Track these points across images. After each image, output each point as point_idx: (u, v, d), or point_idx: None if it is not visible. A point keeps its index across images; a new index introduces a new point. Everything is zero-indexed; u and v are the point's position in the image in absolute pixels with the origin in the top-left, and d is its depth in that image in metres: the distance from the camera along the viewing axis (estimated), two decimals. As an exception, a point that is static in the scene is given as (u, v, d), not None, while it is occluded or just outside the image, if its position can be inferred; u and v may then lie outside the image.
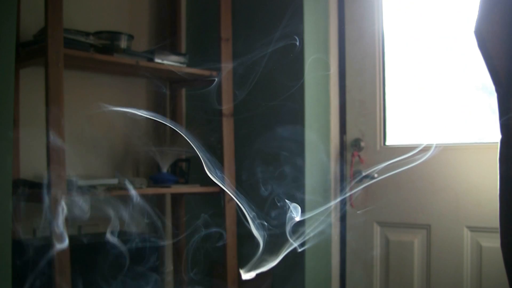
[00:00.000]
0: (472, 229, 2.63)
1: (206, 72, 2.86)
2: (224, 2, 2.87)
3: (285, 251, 1.71)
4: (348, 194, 2.97)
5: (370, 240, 2.94)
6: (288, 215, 1.65)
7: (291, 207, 1.65)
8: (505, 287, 1.86)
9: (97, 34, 2.60)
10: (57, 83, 2.26)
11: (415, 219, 2.80)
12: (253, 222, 1.67)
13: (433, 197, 2.74)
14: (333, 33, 3.02)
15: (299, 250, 1.70)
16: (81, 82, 2.81)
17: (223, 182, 2.79)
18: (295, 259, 2.81)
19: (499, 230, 1.86)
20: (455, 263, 2.67)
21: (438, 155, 2.69)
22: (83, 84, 2.82)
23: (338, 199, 3.00)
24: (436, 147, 1.83)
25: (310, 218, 2.10)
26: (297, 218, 1.65)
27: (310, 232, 2.09)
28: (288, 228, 1.66)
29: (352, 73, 3.01)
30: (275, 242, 1.69)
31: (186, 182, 2.97)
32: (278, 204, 1.92)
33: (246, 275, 1.64)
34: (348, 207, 3.00)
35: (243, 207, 1.69)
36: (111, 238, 2.53)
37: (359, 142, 2.96)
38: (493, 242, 2.50)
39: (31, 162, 2.53)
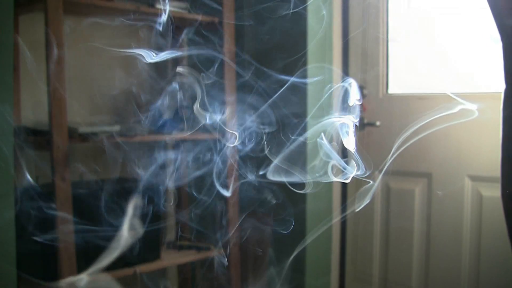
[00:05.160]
0: (473, 178, 2.64)
1: (207, 18, 2.82)
2: None
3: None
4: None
5: (371, 188, 2.95)
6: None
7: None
8: (504, 236, 1.88)
9: (97, -21, 2.55)
10: (57, 29, 2.23)
11: (416, 167, 2.80)
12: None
13: (435, 145, 2.74)
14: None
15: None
16: (81, 28, 2.78)
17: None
18: (296, 202, 2.84)
19: (500, 179, 1.86)
20: (455, 212, 2.69)
21: (440, 104, 2.69)
22: (84, 30, 2.79)
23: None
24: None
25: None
26: None
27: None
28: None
29: (355, 21, 2.97)
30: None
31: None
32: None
33: None
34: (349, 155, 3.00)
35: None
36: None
37: (361, 90, 2.95)
38: (494, 192, 2.51)
39: (32, 109, 2.52)
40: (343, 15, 2.99)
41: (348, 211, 3.04)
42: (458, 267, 2.69)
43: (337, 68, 2.97)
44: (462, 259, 2.68)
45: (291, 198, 2.91)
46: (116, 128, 2.54)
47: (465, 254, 2.68)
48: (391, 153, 2.73)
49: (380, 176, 2.91)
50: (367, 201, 2.21)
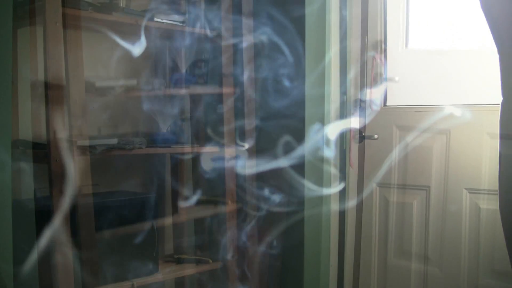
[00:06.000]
0: (471, 191, 2.64)
1: (206, 32, 2.84)
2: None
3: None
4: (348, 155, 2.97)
5: (369, 201, 2.95)
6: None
7: None
8: (502, 248, 1.88)
9: (96, -8, 2.56)
10: (56, 43, 2.24)
11: (414, 180, 2.80)
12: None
13: (433, 158, 2.74)
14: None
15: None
16: (80, 41, 2.78)
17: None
18: (296, 223, 2.84)
19: (498, 192, 1.86)
20: (454, 224, 2.68)
21: (438, 117, 2.70)
22: (82, 44, 2.79)
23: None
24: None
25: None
26: None
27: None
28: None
29: (354, 35, 2.98)
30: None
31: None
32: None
33: None
34: (347, 167, 3.00)
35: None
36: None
37: (360, 103, 2.95)
38: (492, 204, 2.51)
39: (30, 123, 2.52)
40: (341, 27, 3.01)
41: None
42: (457, 279, 2.69)
43: (335, 80, 2.98)
44: (461, 272, 2.68)
45: (289, 208, 2.91)
46: (114, 141, 2.54)
47: (464, 267, 2.67)
48: (390, 165, 2.74)
49: (378, 188, 2.92)
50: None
